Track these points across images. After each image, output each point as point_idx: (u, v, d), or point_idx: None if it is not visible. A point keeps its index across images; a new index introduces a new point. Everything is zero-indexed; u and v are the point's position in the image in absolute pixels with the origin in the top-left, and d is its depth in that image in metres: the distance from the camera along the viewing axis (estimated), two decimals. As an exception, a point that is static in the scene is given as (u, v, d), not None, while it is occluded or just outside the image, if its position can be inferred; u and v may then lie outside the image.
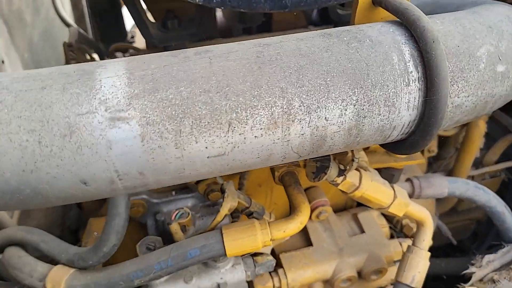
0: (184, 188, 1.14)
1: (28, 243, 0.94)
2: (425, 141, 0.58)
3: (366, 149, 1.10)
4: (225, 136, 0.51)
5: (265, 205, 1.02)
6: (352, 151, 0.78)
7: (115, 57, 1.26)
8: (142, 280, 0.81)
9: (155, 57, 0.53)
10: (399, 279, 0.94)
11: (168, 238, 0.95)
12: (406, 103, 0.56)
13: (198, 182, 1.08)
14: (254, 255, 1.04)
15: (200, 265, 0.98)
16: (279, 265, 1.13)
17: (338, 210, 1.36)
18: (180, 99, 0.50)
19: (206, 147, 0.51)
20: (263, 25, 1.32)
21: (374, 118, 0.55)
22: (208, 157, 0.52)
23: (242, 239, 0.82)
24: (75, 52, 1.23)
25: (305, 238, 1.24)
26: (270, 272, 1.08)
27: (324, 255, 1.17)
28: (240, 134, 0.52)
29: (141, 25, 0.93)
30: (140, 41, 1.99)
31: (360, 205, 1.29)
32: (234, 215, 0.99)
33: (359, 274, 1.14)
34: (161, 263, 0.80)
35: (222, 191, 0.91)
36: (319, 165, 0.81)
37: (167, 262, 0.80)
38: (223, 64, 0.52)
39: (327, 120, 0.54)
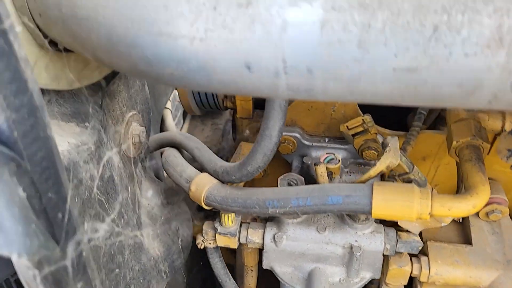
0: (338, 138, 1.05)
1: (185, 147, 1.00)
2: None
3: None
4: (424, 44, 0.39)
5: (427, 181, 0.86)
6: None
7: None
8: (277, 210, 0.77)
9: None
10: None
11: (311, 183, 0.89)
12: None
13: (355, 135, 0.98)
14: (399, 230, 0.90)
15: (337, 219, 0.89)
16: (423, 252, 0.96)
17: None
18: (380, -14, 0.40)
19: (396, 55, 0.41)
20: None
21: None
22: (394, 68, 0.42)
23: (394, 202, 0.70)
24: None
25: (464, 234, 1.03)
26: (411, 255, 0.93)
27: (484, 260, 0.95)
28: (445, 46, 0.39)
29: None
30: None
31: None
32: (389, 180, 0.86)
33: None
34: (299, 199, 0.74)
35: (383, 146, 0.79)
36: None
37: (306, 200, 0.74)
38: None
39: None
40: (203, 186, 0.83)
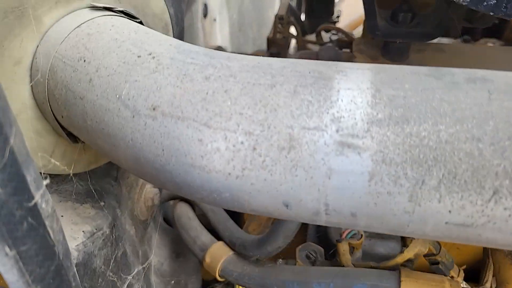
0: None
1: (198, 205, 0.96)
2: None
3: None
4: (482, 205, 0.36)
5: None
6: None
7: (321, 38, 1.18)
8: (296, 293, 0.74)
9: (409, 74, 0.41)
10: None
11: (328, 250, 0.86)
12: None
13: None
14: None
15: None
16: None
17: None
18: (436, 141, 0.36)
19: (450, 211, 0.38)
20: (491, 29, 1.06)
21: None
22: (446, 222, 0.38)
23: (422, 295, 0.67)
24: (283, 26, 1.19)
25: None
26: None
27: None
28: (505, 209, 0.36)
29: (369, 13, 0.81)
30: (343, 21, 1.88)
31: None
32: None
33: None
34: (322, 284, 0.71)
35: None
36: None
37: (328, 286, 0.71)
38: (508, 105, 0.37)
39: None
40: (218, 258, 0.81)
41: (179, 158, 0.42)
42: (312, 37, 1.27)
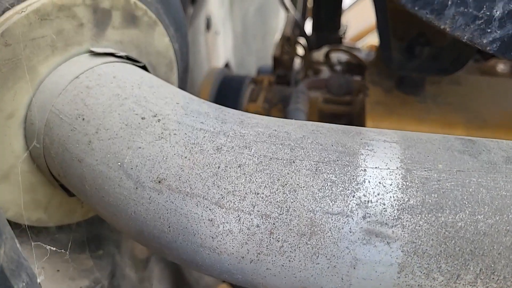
0: None
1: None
2: None
3: None
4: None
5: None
6: None
7: (329, 59, 1.14)
8: None
9: (442, 149, 0.37)
10: None
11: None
12: None
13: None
14: None
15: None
16: None
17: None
18: (473, 233, 0.33)
19: (488, 306, 0.34)
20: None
21: None
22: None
23: None
24: (290, 46, 1.15)
25: None
26: None
27: None
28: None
29: (384, 44, 0.77)
30: (351, 31, 1.84)
31: None
32: None
33: None
34: None
35: None
36: None
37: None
38: (556, 193, 0.33)
39: None
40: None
41: (186, 236, 0.38)
42: (319, 55, 1.24)
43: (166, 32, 0.61)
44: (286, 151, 0.37)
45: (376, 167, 0.36)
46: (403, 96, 0.82)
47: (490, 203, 0.33)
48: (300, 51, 1.21)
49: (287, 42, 1.14)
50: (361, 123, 0.93)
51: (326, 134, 0.39)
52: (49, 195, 0.54)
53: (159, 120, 0.41)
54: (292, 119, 0.81)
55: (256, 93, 1.02)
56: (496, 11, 0.49)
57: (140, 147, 0.40)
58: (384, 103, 0.81)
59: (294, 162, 0.37)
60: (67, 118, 0.45)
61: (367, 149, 0.37)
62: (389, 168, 0.35)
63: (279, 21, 2.12)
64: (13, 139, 0.48)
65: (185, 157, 0.38)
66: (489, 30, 0.51)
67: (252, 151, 0.38)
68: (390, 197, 0.34)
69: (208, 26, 1.50)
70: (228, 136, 0.39)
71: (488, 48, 0.52)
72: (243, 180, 0.37)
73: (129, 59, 0.53)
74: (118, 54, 0.51)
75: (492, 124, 0.76)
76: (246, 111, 0.98)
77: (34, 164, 0.51)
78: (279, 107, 1.00)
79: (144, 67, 0.56)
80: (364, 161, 0.36)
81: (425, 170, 0.35)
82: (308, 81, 0.92)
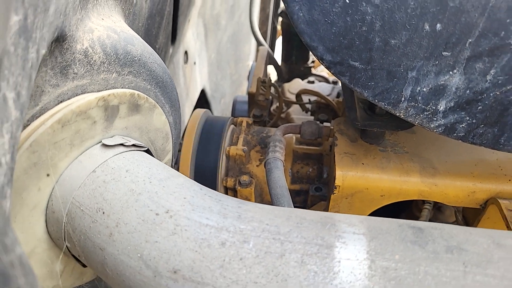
0: None
1: None
2: None
3: None
4: None
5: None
6: None
7: (301, 99, 1.25)
8: None
9: (398, 241, 0.48)
10: None
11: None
12: None
13: None
14: None
15: None
16: None
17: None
18: (422, 311, 0.44)
19: None
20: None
21: None
22: None
23: None
24: (266, 88, 1.25)
25: None
26: None
27: None
28: None
29: (349, 105, 0.88)
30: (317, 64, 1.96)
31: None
32: None
33: None
34: None
35: None
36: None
37: None
38: (480, 279, 0.44)
39: None
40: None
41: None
42: (292, 95, 1.34)
43: (163, 110, 0.69)
44: (277, 245, 0.47)
45: (348, 259, 0.46)
46: (367, 145, 0.94)
47: (434, 287, 0.44)
48: (274, 91, 1.31)
49: (263, 84, 1.23)
50: (330, 164, 1.04)
51: (308, 227, 0.49)
52: (64, 263, 0.61)
53: (171, 216, 0.50)
54: (271, 168, 0.90)
55: (236, 135, 1.11)
56: (440, 106, 0.60)
57: (156, 241, 0.48)
58: (351, 153, 0.92)
59: (284, 256, 0.46)
60: (88, 211, 0.52)
61: (341, 242, 0.47)
62: (358, 259, 0.46)
63: (251, 46, 2.21)
64: (36, 226, 0.55)
65: (196, 251, 0.47)
66: (435, 119, 0.62)
67: (251, 245, 0.47)
68: (360, 284, 0.45)
69: (186, 59, 1.57)
70: (230, 231, 0.48)
71: (434, 130, 0.64)
72: (244, 271, 0.46)
73: (135, 145, 0.61)
74: (127, 144, 0.59)
75: (442, 171, 0.88)
76: (228, 153, 1.07)
77: (52, 241, 0.58)
78: (257, 149, 1.10)
79: (147, 151, 0.64)
80: (338, 253, 0.46)
81: (385, 261, 0.46)
82: (283, 128, 1.02)
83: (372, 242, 0.47)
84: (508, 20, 0.48)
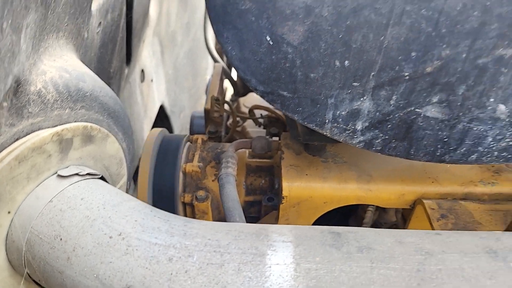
0: None
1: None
2: None
3: None
4: None
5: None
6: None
7: (254, 114, 1.33)
8: None
9: (320, 245, 0.56)
10: None
11: None
12: None
13: None
14: None
15: None
16: None
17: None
18: (338, 304, 0.52)
19: None
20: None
21: None
22: None
23: None
24: (220, 105, 1.32)
25: None
26: None
27: None
28: None
29: (291, 123, 0.97)
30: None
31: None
32: None
33: None
34: None
35: None
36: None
37: None
38: (383, 272, 0.53)
39: None
40: None
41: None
42: (247, 109, 1.43)
43: (116, 138, 0.75)
44: (217, 257, 0.54)
45: (277, 264, 0.54)
46: (310, 157, 1.03)
47: (347, 282, 0.53)
48: (228, 107, 1.39)
49: (217, 102, 1.31)
50: (279, 175, 1.13)
51: (245, 239, 0.57)
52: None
53: (123, 238, 0.56)
54: (223, 183, 0.98)
55: (192, 153, 1.18)
56: (358, 126, 0.70)
57: (111, 262, 0.55)
58: (296, 165, 1.02)
59: (223, 265, 0.54)
60: (46, 238, 0.58)
61: (272, 250, 0.55)
62: (285, 263, 0.54)
63: (209, 61, 2.28)
64: (-2, 254, 0.60)
65: (146, 268, 0.54)
66: (355, 136, 0.72)
67: (195, 259, 0.54)
68: (287, 284, 0.53)
69: (143, 78, 1.62)
70: (176, 248, 0.55)
71: (356, 146, 0.74)
72: (189, 282, 0.53)
73: (89, 174, 0.67)
74: (82, 173, 0.65)
75: (376, 177, 0.99)
76: (184, 170, 1.13)
77: (13, 269, 0.63)
78: (213, 164, 1.17)
79: (102, 178, 0.70)
80: (269, 259, 0.54)
81: (308, 263, 0.54)
82: (236, 144, 1.10)
83: (297, 248, 0.56)
84: (400, 57, 0.58)
